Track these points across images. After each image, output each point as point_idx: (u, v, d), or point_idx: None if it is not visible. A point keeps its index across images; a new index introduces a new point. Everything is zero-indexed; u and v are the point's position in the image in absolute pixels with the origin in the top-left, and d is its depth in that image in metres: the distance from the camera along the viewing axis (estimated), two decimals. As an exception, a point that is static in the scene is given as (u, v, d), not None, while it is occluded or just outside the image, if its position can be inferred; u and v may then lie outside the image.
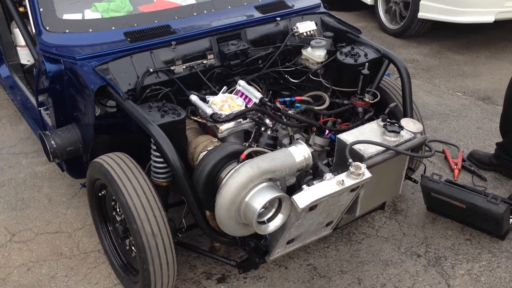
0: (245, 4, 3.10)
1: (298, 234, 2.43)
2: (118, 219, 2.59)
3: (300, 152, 2.27)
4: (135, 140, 2.59)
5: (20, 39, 3.68)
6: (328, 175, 2.25)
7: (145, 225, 2.24)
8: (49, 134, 2.74)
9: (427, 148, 2.59)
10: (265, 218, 2.24)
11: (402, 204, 3.29)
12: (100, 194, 2.64)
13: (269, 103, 2.60)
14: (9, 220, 3.16)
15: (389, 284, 2.72)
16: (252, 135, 2.62)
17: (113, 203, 2.60)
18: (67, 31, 2.72)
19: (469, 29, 5.95)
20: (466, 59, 5.47)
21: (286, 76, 3.01)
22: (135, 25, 2.79)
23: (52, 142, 2.72)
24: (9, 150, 3.80)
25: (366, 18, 6.51)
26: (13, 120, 4.14)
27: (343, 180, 2.21)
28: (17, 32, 3.66)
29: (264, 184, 2.19)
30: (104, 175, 2.38)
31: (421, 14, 5.50)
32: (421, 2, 5.45)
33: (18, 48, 3.81)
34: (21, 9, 3.36)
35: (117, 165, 2.37)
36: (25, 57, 3.78)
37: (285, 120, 2.69)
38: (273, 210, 2.25)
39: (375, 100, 2.85)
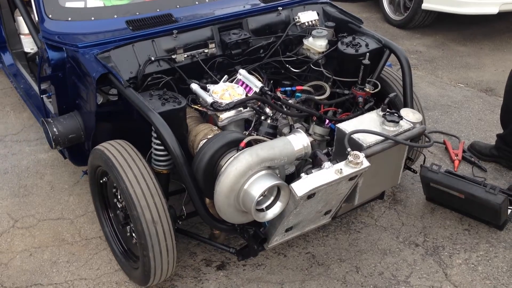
0: (247, -7, 3.11)
1: (297, 222, 2.45)
2: (119, 206, 2.62)
3: (299, 141, 2.28)
4: (136, 128, 2.61)
5: (23, 27, 3.70)
6: (327, 164, 2.27)
7: (145, 212, 2.27)
8: (51, 121, 2.77)
9: (426, 139, 2.61)
10: (264, 206, 2.26)
11: (401, 194, 3.31)
12: (101, 181, 2.67)
13: (269, 92, 2.61)
14: (12, 207, 3.19)
15: (386, 272, 2.75)
16: (253, 124, 2.64)
17: (114, 190, 2.63)
18: (69, 19, 2.74)
19: (473, 21, 5.93)
20: (470, 50, 5.46)
21: (287, 65, 3.02)
22: (137, 13, 2.81)
23: (54, 129, 2.74)
24: (12, 138, 3.84)
25: (370, 9, 6.49)
26: (17, 108, 4.18)
27: (341, 169, 2.23)
28: (20, 20, 3.69)
29: (263, 172, 2.21)
30: (105, 162, 2.40)
31: (425, 5, 5.49)
32: (425, -7, 5.44)
33: (21, 36, 3.84)
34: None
35: (118, 152, 2.40)
36: (29, 45, 3.80)
37: (285, 109, 2.70)
38: (272, 198, 2.27)
39: (375, 90, 2.87)
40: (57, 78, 2.76)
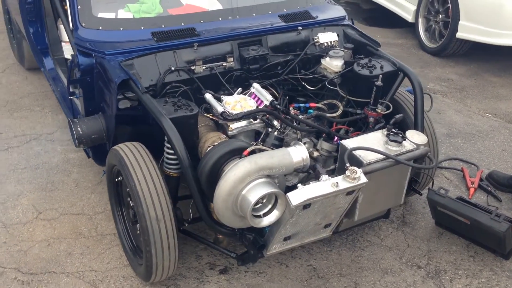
0: (270, 12, 3.25)
1: (295, 232, 2.54)
2: (131, 205, 2.78)
3: (298, 153, 2.39)
4: (152, 132, 2.78)
5: (64, 35, 3.96)
6: (324, 177, 2.36)
7: (150, 210, 2.41)
8: (77, 121, 2.97)
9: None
10: (261, 213, 2.37)
11: (411, 216, 3.33)
12: (116, 180, 2.84)
13: (278, 106, 2.73)
14: (38, 199, 3.41)
15: (384, 290, 2.79)
16: (262, 136, 2.75)
17: (127, 189, 2.78)
18: (100, 28, 2.95)
19: (510, 52, 5.87)
20: (503, 81, 5.42)
21: (303, 83, 3.14)
22: (163, 26, 2.99)
23: (79, 129, 2.94)
24: (47, 137, 4.09)
25: (406, 35, 6.54)
26: (54, 110, 4.45)
27: (337, 182, 2.32)
28: (62, 28, 3.95)
29: (262, 180, 2.32)
30: (119, 161, 2.57)
31: (460, 34, 5.50)
32: (460, 22, 5.45)
33: (62, 43, 4.10)
34: (66, 6, 3.63)
35: (131, 152, 2.57)
36: (68, 51, 4.05)
37: (295, 124, 2.81)
38: (270, 206, 2.37)
39: (387, 112, 2.93)
40: (85, 82, 2.97)
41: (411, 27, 6.44)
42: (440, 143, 4.16)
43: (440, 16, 5.83)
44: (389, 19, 6.90)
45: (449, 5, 5.60)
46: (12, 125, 4.22)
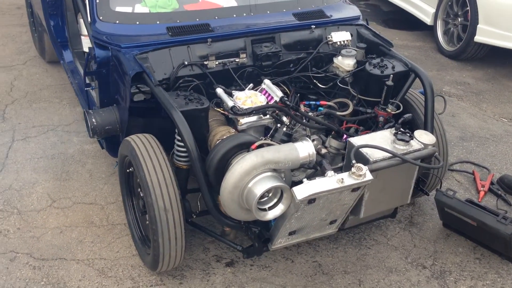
0: (284, 10, 3.28)
1: (300, 227, 2.57)
2: (141, 195, 2.83)
3: (304, 148, 2.42)
4: (163, 125, 2.83)
5: (84, 29, 4.04)
6: (330, 173, 2.39)
7: (158, 200, 2.47)
8: (92, 112, 3.04)
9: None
10: (267, 206, 2.40)
11: (419, 217, 3.34)
12: (128, 170, 2.91)
13: (288, 103, 2.76)
14: (53, 188, 3.50)
15: (388, 289, 2.80)
16: (271, 131, 2.79)
17: (138, 180, 2.85)
18: (117, 21, 3.02)
19: (529, 57, 5.84)
20: (521, 86, 5.38)
21: (315, 81, 3.17)
22: (178, 21, 3.05)
23: (93, 120, 3.01)
24: (64, 128, 4.18)
25: (424, 38, 6.51)
26: (72, 102, 4.54)
27: (342, 179, 2.34)
28: (82, 22, 4.03)
29: (268, 173, 2.36)
30: (130, 152, 2.64)
31: (478, 38, 5.46)
32: (478, 25, 5.41)
33: (82, 37, 4.18)
34: (86, 0, 3.71)
35: (142, 143, 2.63)
36: (87, 45, 4.13)
37: (304, 120, 2.84)
38: (275, 200, 2.41)
39: (397, 112, 2.95)
40: (101, 74, 3.04)
41: (430, 30, 6.41)
42: (453, 146, 4.16)
43: (459, 19, 5.80)
44: (409, 22, 6.88)
45: (468, 8, 5.57)
46: (31, 116, 4.33)
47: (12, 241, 3.05)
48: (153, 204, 2.48)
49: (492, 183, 3.65)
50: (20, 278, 2.81)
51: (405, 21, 6.98)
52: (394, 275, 2.89)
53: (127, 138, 2.73)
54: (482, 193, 3.55)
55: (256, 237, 2.59)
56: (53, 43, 4.48)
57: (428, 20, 6.27)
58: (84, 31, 4.11)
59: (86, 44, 4.18)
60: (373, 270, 2.92)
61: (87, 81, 3.26)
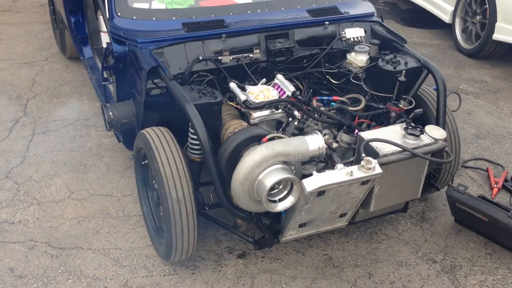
0: (298, 7, 3.32)
1: (310, 219, 2.61)
2: (155, 187, 2.90)
3: (315, 142, 2.46)
4: (178, 118, 2.90)
5: (103, 25, 4.13)
6: (339, 166, 2.43)
7: (171, 191, 2.53)
8: (109, 106, 3.12)
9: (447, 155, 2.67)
10: (277, 198, 2.45)
11: (431, 213, 3.35)
12: (143, 163, 2.98)
13: (299, 97, 2.80)
14: (71, 180, 3.59)
15: (398, 282, 2.82)
16: (283, 125, 2.83)
17: (152, 171, 2.92)
18: (134, 17, 3.10)
19: (549, 56, 5.77)
20: (539, 85, 5.33)
21: (328, 77, 3.20)
22: (193, 17, 3.11)
23: (110, 113, 3.09)
24: (83, 122, 4.28)
25: (443, 36, 6.48)
26: (92, 98, 4.64)
27: (352, 172, 2.38)
28: (101, 18, 4.13)
29: (278, 165, 2.41)
30: (145, 144, 2.71)
31: (496, 36, 5.42)
32: (497, 23, 5.38)
33: (101, 34, 4.28)
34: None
35: (156, 136, 2.69)
36: (106, 40, 4.22)
37: (316, 115, 2.88)
38: (285, 192, 2.45)
39: (409, 107, 2.97)
40: (118, 69, 3.12)
41: (448, 28, 6.38)
42: (468, 143, 4.15)
43: (477, 17, 5.76)
44: (427, 20, 6.85)
45: (487, 6, 5.54)
46: (51, 110, 4.44)
47: (31, 230, 3.14)
48: (166, 195, 2.54)
49: (506, 180, 3.64)
50: (38, 266, 2.90)
51: (423, 19, 6.96)
52: (404, 269, 2.91)
53: (142, 131, 2.80)
54: (495, 190, 3.55)
55: (266, 228, 2.64)
56: (73, 40, 4.59)
57: (446, 18, 6.23)
58: (103, 27, 4.21)
59: (105, 40, 4.28)
60: (383, 264, 2.95)
61: (105, 76, 3.34)
